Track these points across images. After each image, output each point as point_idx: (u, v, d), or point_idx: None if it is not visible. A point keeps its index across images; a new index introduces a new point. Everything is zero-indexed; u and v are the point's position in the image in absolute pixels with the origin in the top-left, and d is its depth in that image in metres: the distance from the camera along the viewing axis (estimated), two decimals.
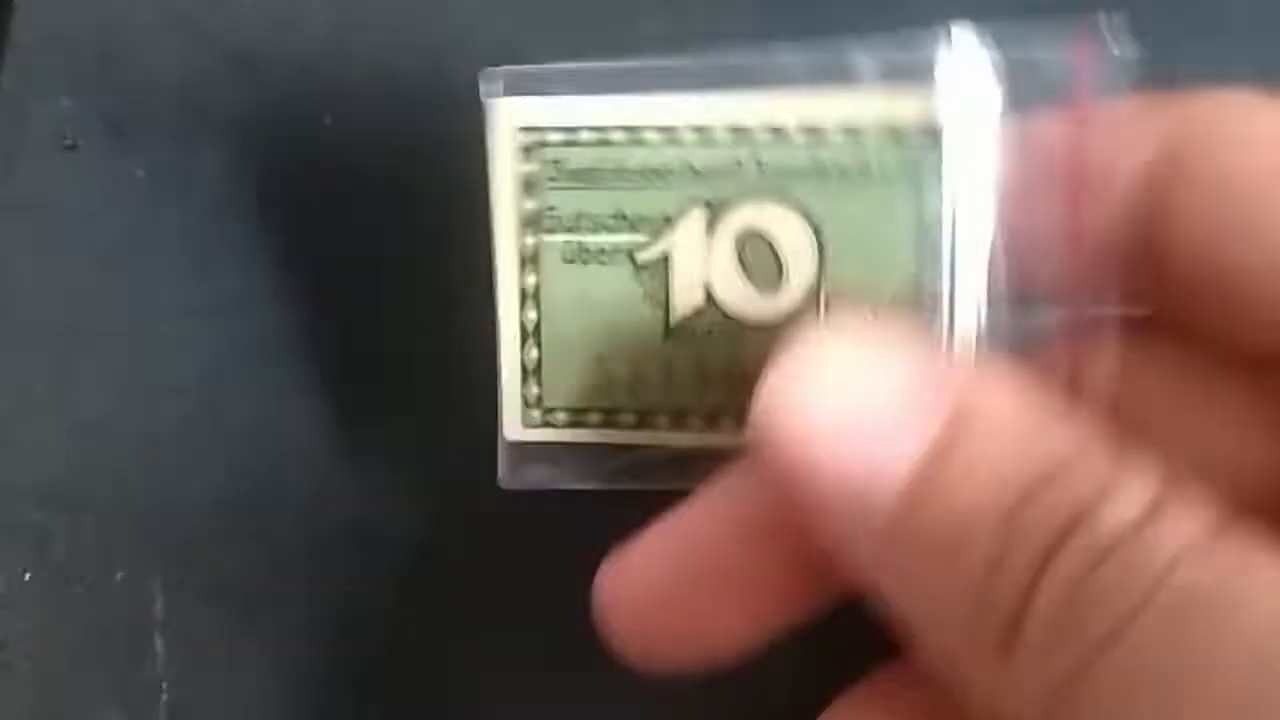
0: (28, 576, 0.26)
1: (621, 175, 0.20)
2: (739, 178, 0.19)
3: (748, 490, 0.19)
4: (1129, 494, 0.15)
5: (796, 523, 0.18)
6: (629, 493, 0.20)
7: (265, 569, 0.26)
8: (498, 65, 0.25)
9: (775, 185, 0.19)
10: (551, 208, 0.20)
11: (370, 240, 0.27)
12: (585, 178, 0.20)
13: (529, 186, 0.21)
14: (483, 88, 0.21)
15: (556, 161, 0.20)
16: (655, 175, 0.20)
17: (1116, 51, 0.18)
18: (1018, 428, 0.16)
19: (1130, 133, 0.18)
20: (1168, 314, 0.19)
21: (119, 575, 0.26)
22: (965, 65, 0.18)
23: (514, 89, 0.21)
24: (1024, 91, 0.18)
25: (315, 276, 0.27)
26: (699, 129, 0.19)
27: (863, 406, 0.16)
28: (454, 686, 0.25)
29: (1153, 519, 0.14)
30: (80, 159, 0.28)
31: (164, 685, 0.25)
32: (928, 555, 0.15)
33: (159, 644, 0.26)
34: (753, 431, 0.16)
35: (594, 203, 0.20)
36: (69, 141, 0.28)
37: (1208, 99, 0.18)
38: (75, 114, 0.28)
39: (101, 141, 0.28)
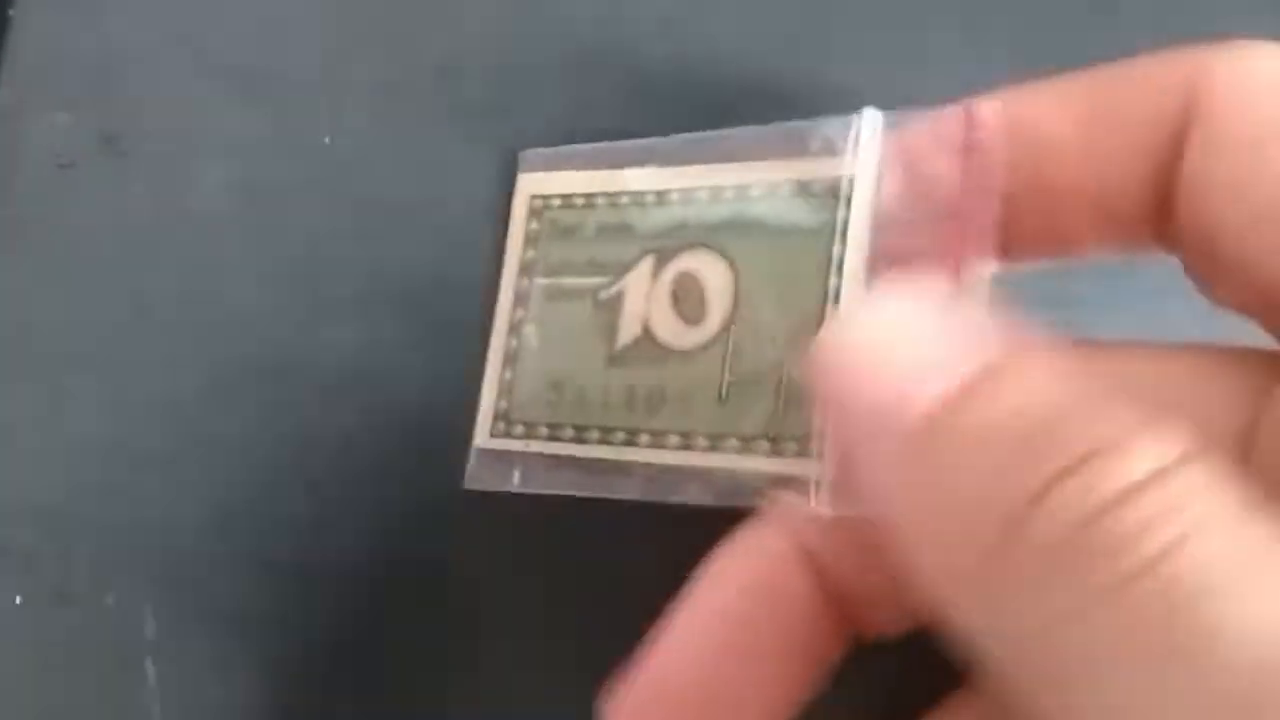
0: (19, 600, 0.26)
1: (598, 230, 0.24)
2: (683, 232, 0.23)
3: (726, 592, 0.19)
4: (1155, 445, 0.14)
5: (779, 610, 0.19)
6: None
7: (258, 592, 0.25)
8: (501, 83, 0.26)
9: (708, 236, 0.22)
10: (544, 256, 0.24)
11: (368, 263, 0.27)
12: (571, 232, 0.24)
13: (531, 240, 0.25)
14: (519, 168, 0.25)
15: (554, 221, 0.24)
16: (622, 231, 0.23)
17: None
18: (1046, 381, 0.15)
19: (1158, 85, 0.18)
20: (1186, 265, 0.19)
21: (110, 598, 0.26)
22: (868, 139, 0.21)
23: (534, 166, 0.25)
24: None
25: (313, 297, 0.27)
26: (658, 194, 0.23)
27: (907, 343, 0.16)
28: (450, 709, 0.25)
29: (1178, 474, 0.14)
30: (77, 178, 0.28)
31: (156, 709, 0.25)
32: (937, 471, 0.15)
33: (150, 667, 0.25)
34: (813, 357, 0.17)
35: (574, 252, 0.24)
36: (65, 160, 0.28)
37: (1227, 48, 0.18)
38: (72, 132, 0.28)
39: (98, 160, 0.28)
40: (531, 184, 0.25)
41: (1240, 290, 0.18)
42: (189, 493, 0.26)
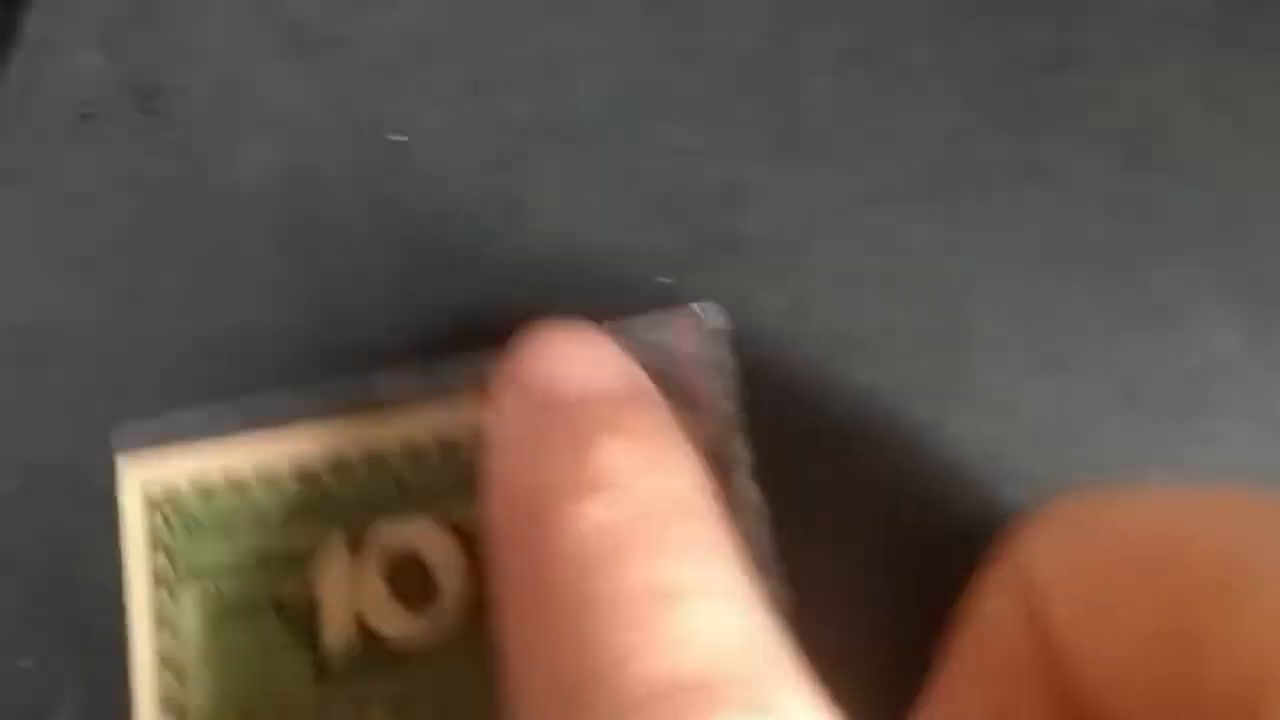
0: None
1: (259, 517, 0.19)
2: (379, 502, 0.19)
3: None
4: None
5: None
6: None
7: None
8: None
9: (420, 502, 0.19)
10: (187, 561, 0.19)
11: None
12: (221, 525, 0.19)
13: (160, 541, 0.19)
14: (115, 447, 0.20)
15: (191, 513, 0.19)
16: (295, 512, 0.19)
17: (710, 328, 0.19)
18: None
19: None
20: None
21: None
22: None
23: (143, 443, 0.20)
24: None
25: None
26: (334, 462, 0.19)
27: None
28: None
29: None
30: (95, 131, 0.23)
31: None
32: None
33: None
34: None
35: (232, 549, 0.19)
36: (87, 109, 0.23)
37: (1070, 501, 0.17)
38: (101, 76, 0.23)
39: (125, 114, 0.23)
40: (143, 468, 0.20)
41: None
42: None
